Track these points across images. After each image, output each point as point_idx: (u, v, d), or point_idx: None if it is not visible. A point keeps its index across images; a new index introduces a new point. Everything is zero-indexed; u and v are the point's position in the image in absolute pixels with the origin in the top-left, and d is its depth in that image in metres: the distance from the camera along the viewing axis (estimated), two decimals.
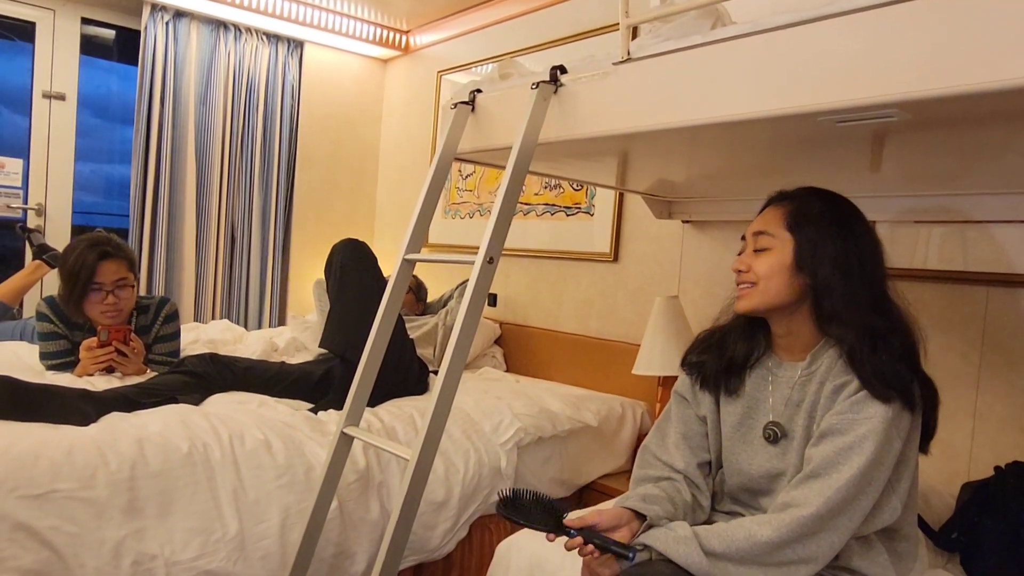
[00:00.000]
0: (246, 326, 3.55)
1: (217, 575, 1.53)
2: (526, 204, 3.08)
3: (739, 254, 1.30)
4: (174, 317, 2.35)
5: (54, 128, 3.29)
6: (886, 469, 1.11)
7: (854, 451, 1.09)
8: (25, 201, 3.25)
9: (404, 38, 3.82)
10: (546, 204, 3.01)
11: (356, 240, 2.26)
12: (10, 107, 3.25)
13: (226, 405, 1.89)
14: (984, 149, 1.29)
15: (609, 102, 1.30)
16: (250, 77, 3.55)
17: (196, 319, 3.44)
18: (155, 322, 2.30)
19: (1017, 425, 1.72)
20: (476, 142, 1.60)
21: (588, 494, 2.31)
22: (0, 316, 2.74)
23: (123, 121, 3.59)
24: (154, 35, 3.27)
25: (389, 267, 1.69)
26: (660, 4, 1.31)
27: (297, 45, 3.69)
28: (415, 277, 2.92)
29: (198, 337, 2.77)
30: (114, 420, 1.68)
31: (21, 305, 2.95)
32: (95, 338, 2.09)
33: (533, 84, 1.39)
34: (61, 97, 3.29)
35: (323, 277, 2.36)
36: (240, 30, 3.51)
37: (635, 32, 1.44)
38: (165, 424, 1.65)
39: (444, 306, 2.94)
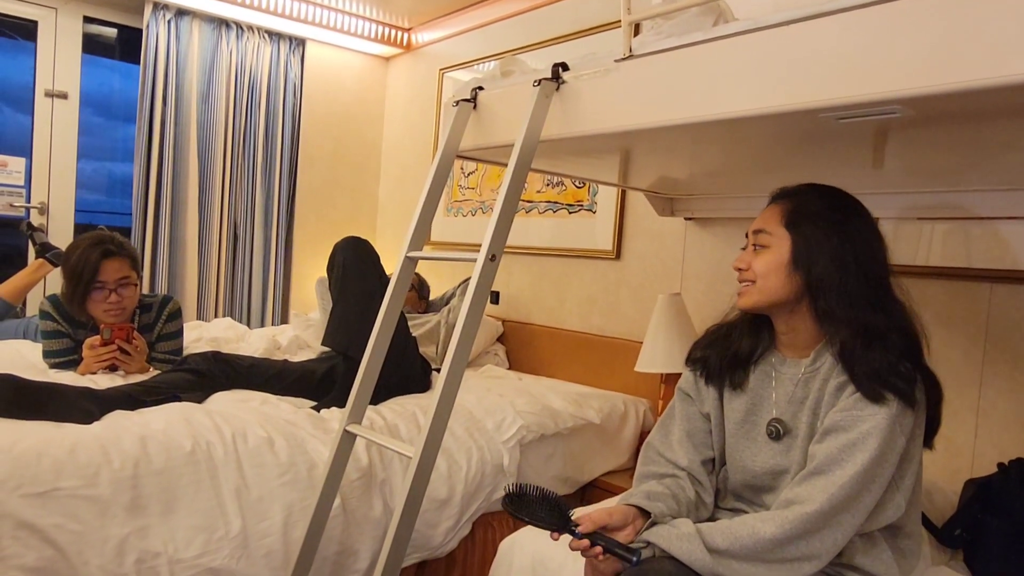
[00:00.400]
0: (249, 324, 3.55)
1: (220, 573, 1.53)
2: (528, 201, 3.08)
3: (742, 250, 1.30)
4: (177, 315, 2.36)
5: (56, 127, 3.29)
6: (890, 466, 1.11)
7: (857, 448, 1.09)
8: (28, 200, 3.25)
9: (406, 36, 3.82)
10: (548, 201, 3.01)
11: (358, 238, 2.26)
12: (12, 106, 3.25)
13: (229, 403, 1.89)
14: (988, 145, 1.28)
15: (611, 99, 1.30)
16: (252, 75, 3.55)
17: (199, 317, 3.44)
18: (158, 320, 2.31)
19: (1020, 422, 1.71)
20: (478, 140, 1.59)
21: (591, 491, 2.31)
22: (3, 314, 2.74)
23: (125, 119, 3.60)
24: (156, 33, 3.27)
25: (391, 265, 1.69)
26: (662, 1, 1.30)
27: (299, 43, 3.69)
28: (417, 275, 2.92)
29: (201, 335, 2.77)
30: (117, 418, 1.68)
31: (24, 303, 2.96)
32: (98, 336, 2.09)
33: (535, 81, 1.39)
34: (63, 96, 3.29)
35: (326, 275, 2.36)
36: (242, 28, 3.51)
37: (637, 29, 1.44)
38: (168, 422, 1.65)
39: (446, 304, 2.94)
